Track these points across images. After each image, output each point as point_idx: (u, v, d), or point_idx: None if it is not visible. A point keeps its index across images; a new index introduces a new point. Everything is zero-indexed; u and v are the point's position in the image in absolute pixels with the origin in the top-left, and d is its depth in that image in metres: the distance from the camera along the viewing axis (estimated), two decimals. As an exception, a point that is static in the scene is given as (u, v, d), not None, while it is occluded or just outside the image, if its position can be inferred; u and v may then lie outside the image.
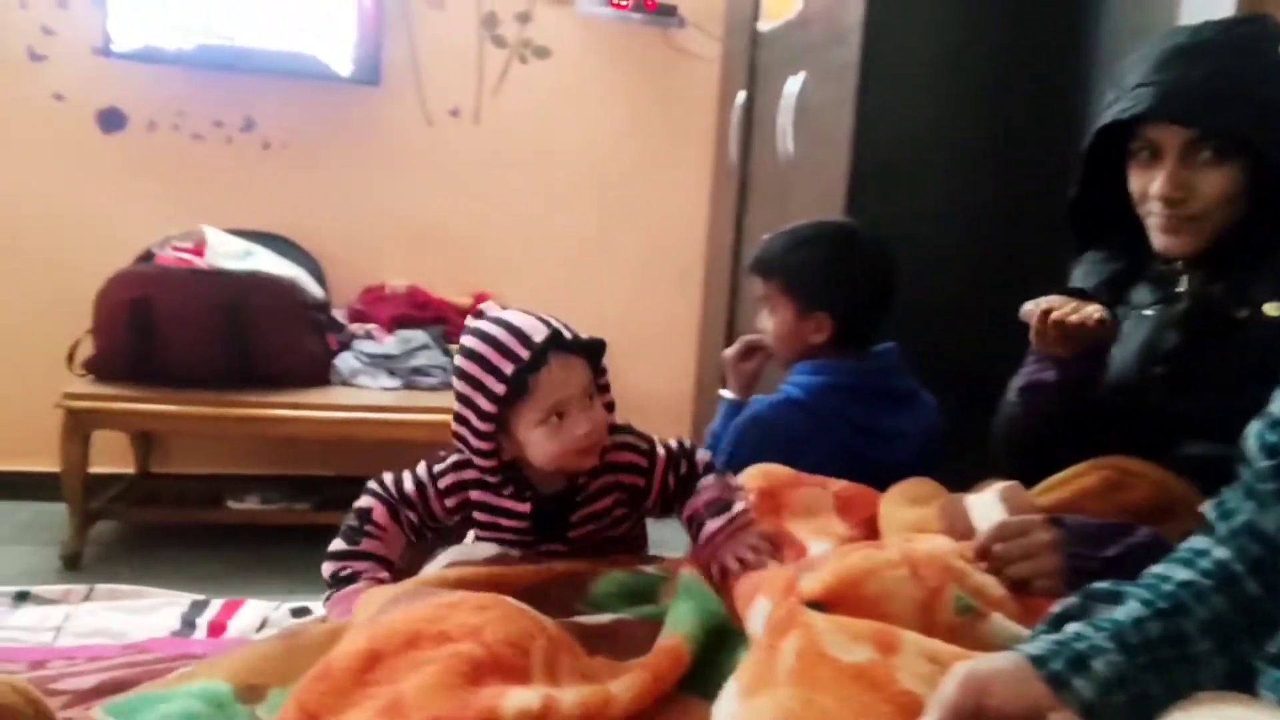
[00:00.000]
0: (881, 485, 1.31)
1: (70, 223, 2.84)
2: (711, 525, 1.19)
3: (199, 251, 2.65)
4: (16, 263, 2.84)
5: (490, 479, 1.20)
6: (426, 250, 3.03)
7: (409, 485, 1.24)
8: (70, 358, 2.58)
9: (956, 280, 2.04)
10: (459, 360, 1.17)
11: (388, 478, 1.25)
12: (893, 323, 1.67)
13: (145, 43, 2.74)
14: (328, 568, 1.22)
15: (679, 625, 0.98)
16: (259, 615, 1.26)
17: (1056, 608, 0.79)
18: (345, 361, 2.70)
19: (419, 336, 2.75)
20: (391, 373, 2.69)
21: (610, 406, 1.23)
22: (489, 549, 1.23)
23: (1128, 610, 0.75)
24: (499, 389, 1.12)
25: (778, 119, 2.38)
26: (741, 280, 2.77)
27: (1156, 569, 0.79)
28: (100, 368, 2.56)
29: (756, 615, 0.91)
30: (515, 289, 3.04)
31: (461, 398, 1.16)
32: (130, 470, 2.92)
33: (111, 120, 2.87)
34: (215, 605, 1.28)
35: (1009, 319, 1.24)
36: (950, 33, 2.04)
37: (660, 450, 1.27)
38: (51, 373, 2.56)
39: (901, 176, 2.03)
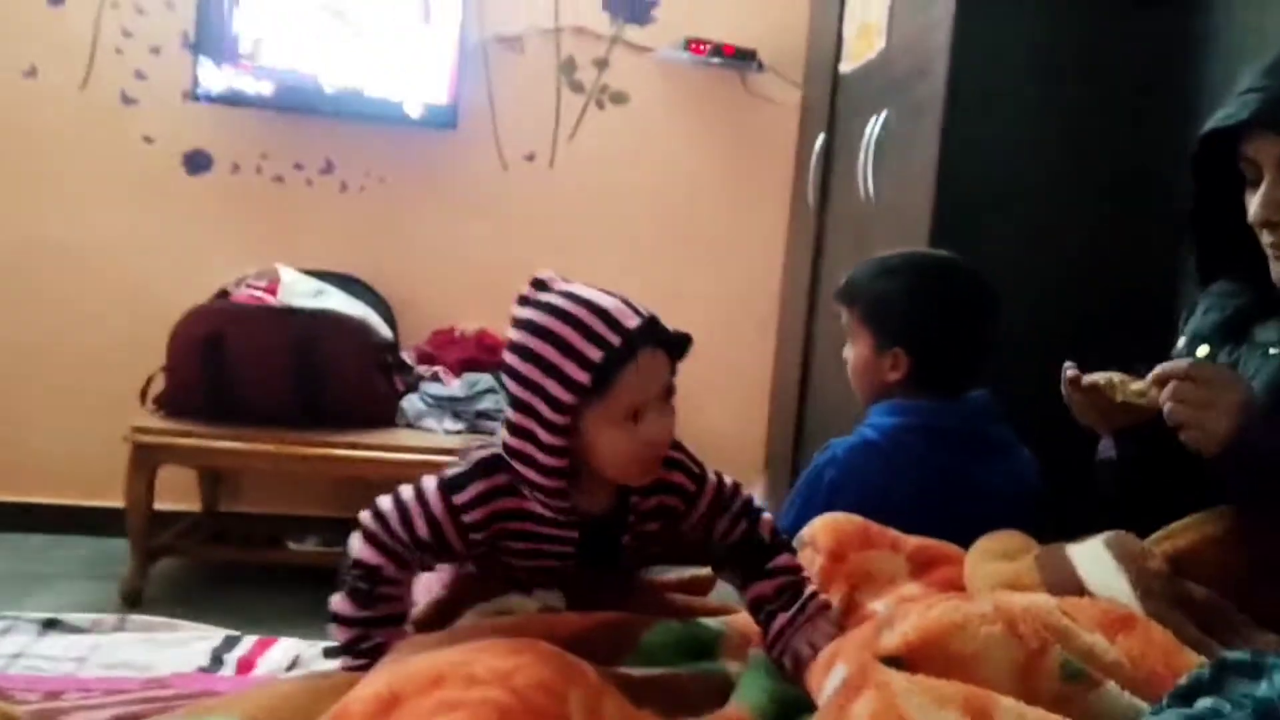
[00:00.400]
0: (966, 543, 1.19)
1: (153, 261, 2.89)
2: (783, 618, 1.05)
3: (272, 290, 2.66)
4: (99, 299, 2.88)
5: (543, 497, 1.02)
6: (498, 294, 2.94)
7: (421, 528, 1.03)
8: (144, 393, 2.58)
9: (1054, 322, 1.91)
10: (522, 338, 0.99)
11: (388, 512, 1.04)
12: (988, 371, 1.55)
13: (231, 86, 2.79)
14: (340, 635, 1.05)
15: (747, 697, 0.87)
16: (291, 653, 1.19)
17: (1185, 679, 0.66)
18: (411, 403, 2.66)
19: (485, 379, 2.70)
20: (456, 415, 2.64)
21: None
22: (528, 604, 1.12)
23: (1275, 685, 0.62)
24: (582, 377, 0.95)
25: (858, 159, 2.30)
26: (818, 327, 2.66)
27: None
28: (171, 403, 2.56)
29: (831, 682, 0.80)
30: (585, 334, 2.98)
31: (527, 384, 0.98)
32: (195, 508, 2.91)
33: (197, 162, 2.92)
34: (248, 642, 1.21)
35: (1117, 362, 1.12)
36: (1042, 55, 1.93)
37: (711, 478, 1.13)
38: (125, 408, 2.56)
39: (988, 209, 1.92)
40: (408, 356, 2.83)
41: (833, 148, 2.64)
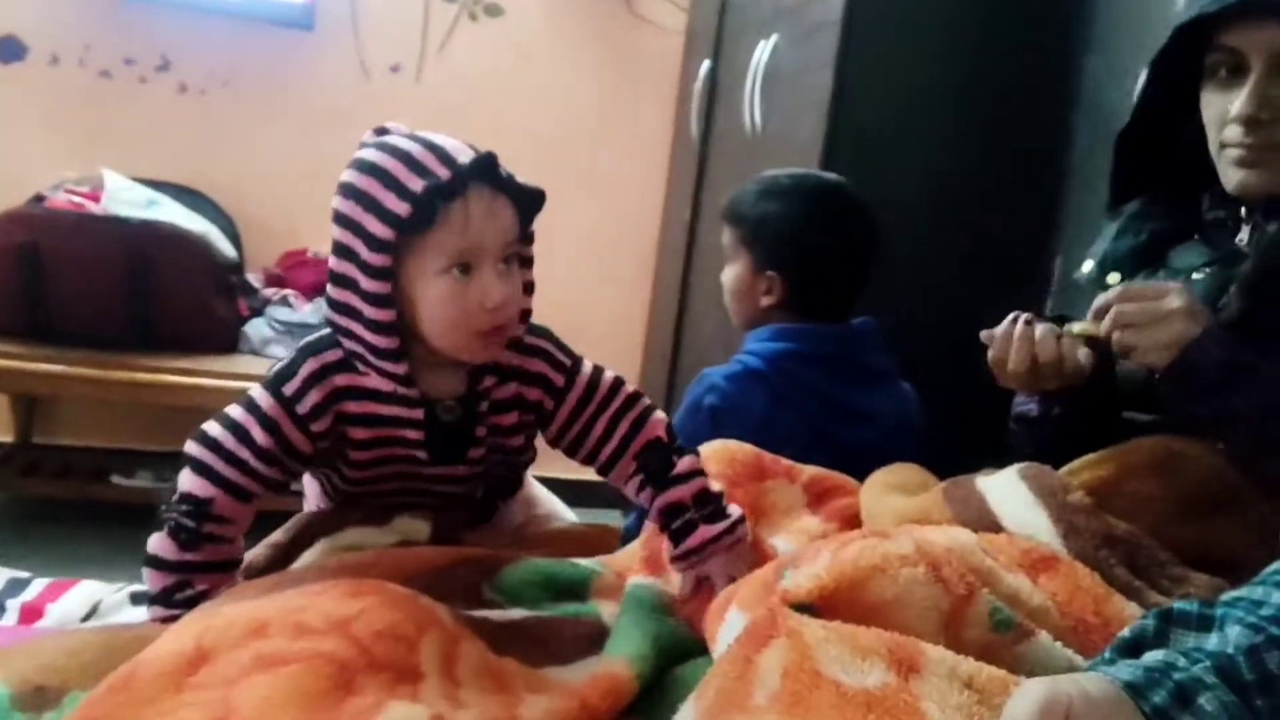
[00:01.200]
0: (851, 471, 1.12)
1: (-46, 158, 2.54)
2: (707, 531, 0.95)
3: (95, 197, 2.37)
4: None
5: (375, 360, 0.90)
6: (356, 215, 2.77)
7: (260, 437, 0.91)
8: (-56, 308, 2.28)
9: (939, 259, 1.87)
10: (348, 177, 0.90)
11: (220, 435, 0.92)
12: (867, 303, 1.48)
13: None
14: (155, 582, 0.91)
15: (625, 647, 0.76)
16: (90, 599, 1.01)
17: (1128, 631, 0.59)
18: (256, 329, 2.44)
19: (341, 306, 2.50)
20: (307, 343, 2.44)
21: (530, 288, 0.98)
22: (380, 537, 0.98)
23: (1233, 638, 0.55)
24: (401, 209, 0.86)
25: (745, 87, 2.19)
26: (697, 262, 2.57)
27: (1257, 591, 0.59)
28: (-21, 320, 2.27)
29: (728, 632, 0.70)
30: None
31: (348, 223, 0.88)
32: (7, 438, 2.62)
33: (9, 50, 2.57)
34: (37, 585, 1.03)
35: (1001, 302, 1.05)
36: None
37: (585, 370, 1.03)
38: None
39: (883, 146, 1.85)
40: (254, 279, 2.60)
41: (718, 75, 2.53)
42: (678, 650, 0.85)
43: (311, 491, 1.11)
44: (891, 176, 1.84)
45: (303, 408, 0.92)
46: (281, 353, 2.40)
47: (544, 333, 1.03)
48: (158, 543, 0.92)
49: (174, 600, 0.91)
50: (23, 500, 2.52)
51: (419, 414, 0.95)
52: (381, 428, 0.96)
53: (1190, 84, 0.94)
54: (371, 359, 0.91)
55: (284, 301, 2.51)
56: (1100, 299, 0.88)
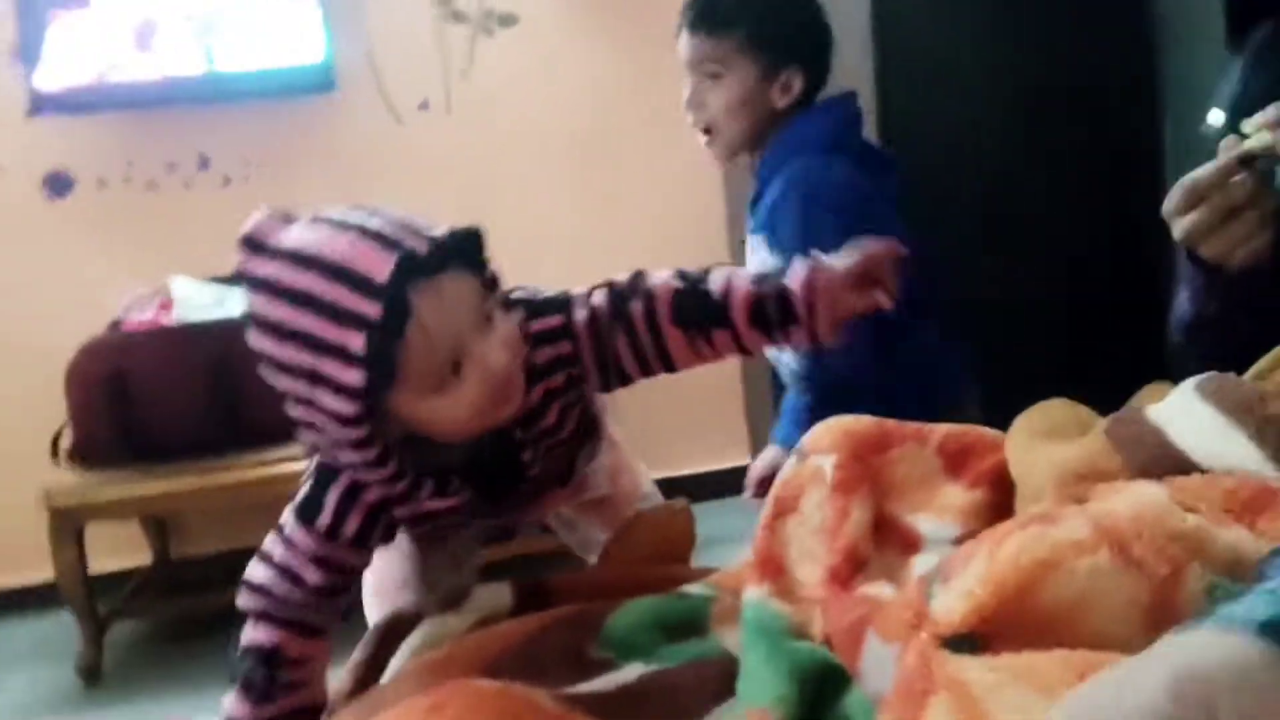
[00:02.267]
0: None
1: (27, 302, 2.58)
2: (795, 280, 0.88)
3: (167, 307, 2.38)
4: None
5: (387, 483, 0.79)
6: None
7: (312, 576, 0.81)
8: (54, 449, 2.32)
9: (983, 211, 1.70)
10: (259, 339, 0.74)
11: (269, 581, 0.82)
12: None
13: (75, 88, 2.47)
14: None
15: (763, 690, 0.63)
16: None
17: None
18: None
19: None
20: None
21: (506, 305, 0.84)
22: (462, 620, 0.87)
23: None
24: (354, 379, 0.70)
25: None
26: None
27: None
28: (84, 455, 2.29)
29: (873, 667, 0.56)
30: (513, 282, 2.72)
31: (297, 401, 0.76)
32: (146, 561, 2.65)
33: (58, 185, 2.60)
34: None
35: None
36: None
37: (579, 315, 0.89)
38: (36, 469, 2.28)
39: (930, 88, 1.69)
40: (335, 352, 2.56)
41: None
42: (823, 680, 0.71)
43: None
44: (938, 121, 1.68)
45: (347, 532, 0.82)
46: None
47: (519, 304, 0.88)
48: (230, 703, 0.83)
49: None
50: (171, 620, 2.54)
51: (455, 502, 0.85)
52: (436, 519, 0.87)
53: None
54: (385, 484, 0.80)
55: (368, 367, 2.46)
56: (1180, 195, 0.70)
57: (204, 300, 2.39)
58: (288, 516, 0.84)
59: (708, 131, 1.39)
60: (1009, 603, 0.48)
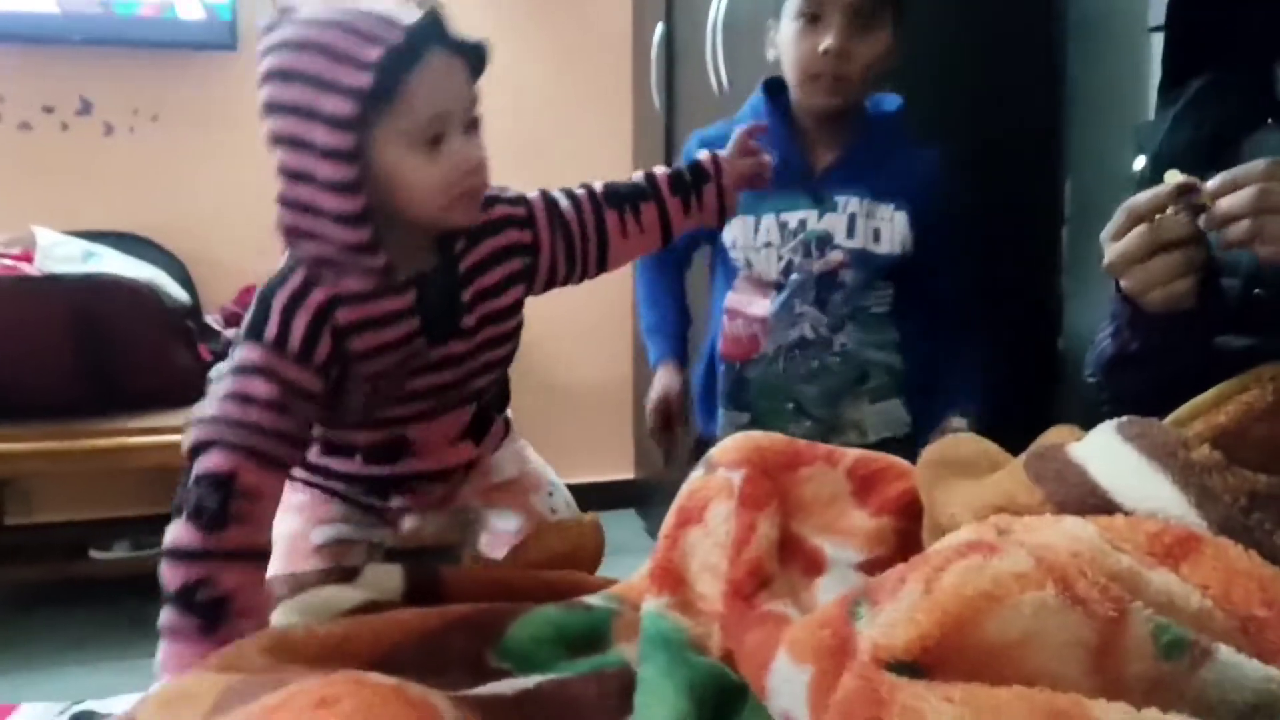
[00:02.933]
0: None
1: None
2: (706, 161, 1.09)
3: (27, 257, 2.20)
4: None
5: (349, 258, 0.83)
6: (313, 239, 2.60)
7: (260, 389, 0.82)
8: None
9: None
10: (278, 61, 0.83)
11: (217, 409, 0.82)
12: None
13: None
14: (174, 577, 0.79)
15: (658, 706, 0.61)
16: (27, 728, 0.86)
17: None
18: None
19: (309, 336, 2.33)
20: (278, 381, 2.27)
21: None
22: (351, 593, 0.84)
23: None
24: (361, 81, 0.79)
25: (705, 45, 2.03)
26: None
27: None
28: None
29: (782, 686, 0.54)
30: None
31: (295, 111, 0.82)
32: (-22, 526, 2.46)
33: (-83, 114, 2.40)
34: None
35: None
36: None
37: (538, 205, 1.02)
38: None
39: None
40: (213, 320, 2.43)
41: (674, 36, 2.37)
42: (721, 697, 0.70)
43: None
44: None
45: (294, 344, 0.84)
46: (252, 395, 2.25)
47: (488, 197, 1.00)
48: (176, 532, 0.80)
49: (194, 601, 0.78)
50: (5, 588, 2.35)
51: (410, 300, 0.89)
52: (380, 329, 0.88)
53: None
54: (343, 258, 0.84)
55: (247, 340, 2.34)
56: (1228, 175, 0.70)
57: (70, 253, 2.22)
58: (236, 349, 0.86)
59: (838, 81, 1.27)
60: (952, 633, 0.47)
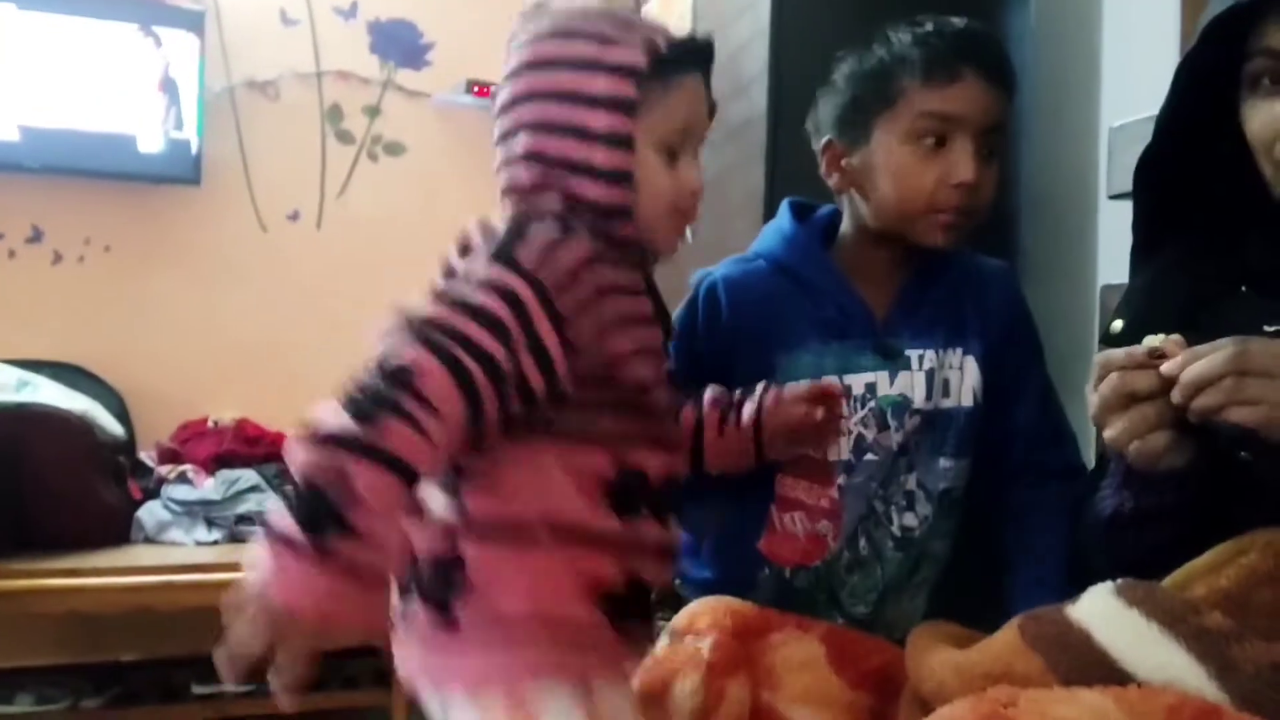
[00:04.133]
0: None
1: None
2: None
3: (-42, 384, 2.11)
4: None
5: (604, 222, 0.79)
6: (260, 377, 2.54)
7: (491, 303, 0.70)
8: None
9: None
10: (541, 49, 0.83)
11: (448, 301, 0.72)
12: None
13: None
14: (303, 465, 0.65)
15: None
16: None
17: None
18: (151, 512, 2.16)
19: (248, 476, 2.24)
20: (210, 522, 2.16)
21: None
22: None
23: None
24: (638, 60, 0.79)
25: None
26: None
27: None
28: None
29: None
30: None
31: (560, 96, 0.80)
32: None
33: None
34: None
35: None
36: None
37: None
38: None
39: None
40: (147, 457, 2.33)
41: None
42: None
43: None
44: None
45: (551, 277, 0.74)
46: (181, 536, 2.14)
47: None
48: (326, 416, 0.67)
49: (314, 496, 0.64)
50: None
51: (650, 306, 0.85)
52: (633, 328, 0.81)
53: (1224, 96, 0.80)
54: (591, 220, 0.79)
55: (182, 478, 2.24)
56: (1196, 372, 0.69)
57: (5, 381, 2.13)
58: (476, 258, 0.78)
59: (967, 216, 1.07)
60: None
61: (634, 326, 0.81)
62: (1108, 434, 0.76)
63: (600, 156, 0.78)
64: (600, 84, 0.79)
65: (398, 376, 0.67)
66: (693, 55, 0.84)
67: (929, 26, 1.05)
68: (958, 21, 1.06)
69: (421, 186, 2.69)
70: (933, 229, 1.06)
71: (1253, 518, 0.69)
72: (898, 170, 1.05)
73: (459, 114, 2.69)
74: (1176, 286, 0.86)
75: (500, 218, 0.84)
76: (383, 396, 0.66)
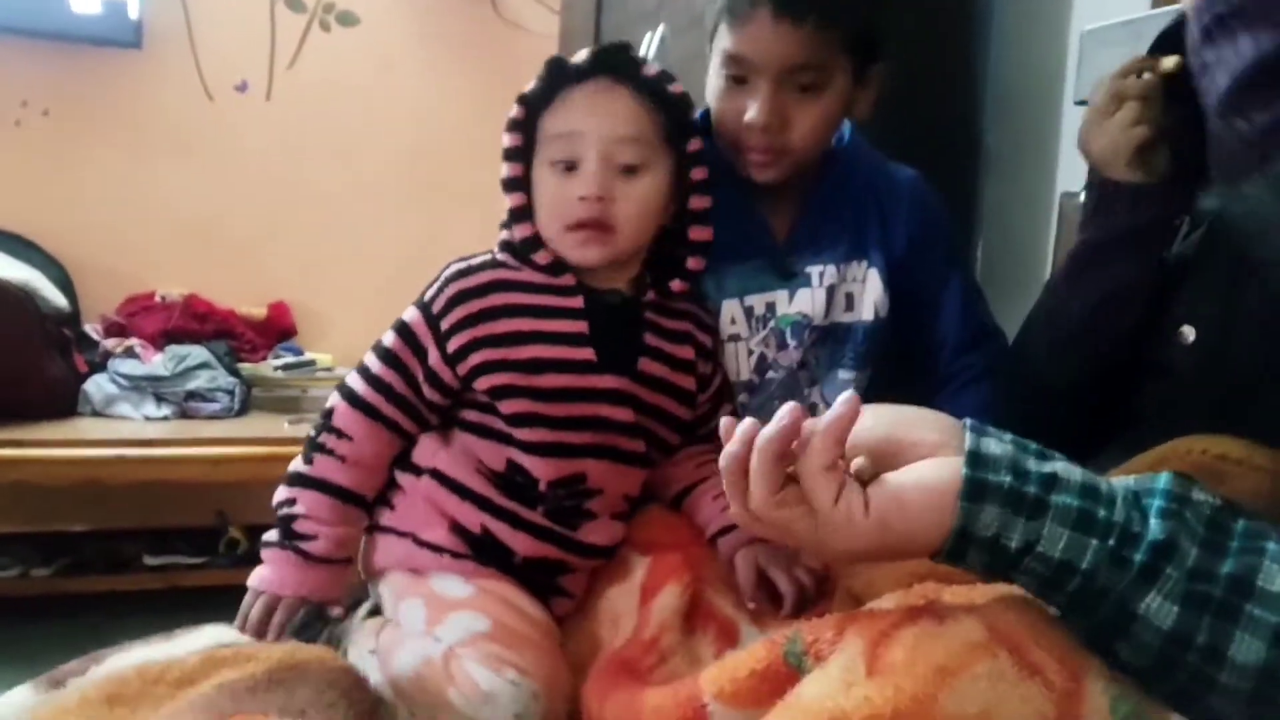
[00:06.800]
0: None
1: None
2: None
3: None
4: None
5: (522, 250, 0.91)
6: (209, 251, 2.49)
7: (388, 340, 0.91)
8: None
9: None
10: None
11: (371, 351, 0.93)
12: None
13: None
14: (278, 496, 0.92)
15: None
16: None
17: None
18: (98, 386, 2.14)
19: (197, 353, 2.22)
20: (160, 398, 2.15)
21: (690, 216, 0.95)
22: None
23: None
24: (530, 88, 0.92)
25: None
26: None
27: None
28: None
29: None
30: (322, 297, 2.55)
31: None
32: None
33: None
34: None
35: None
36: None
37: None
38: None
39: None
40: (92, 330, 2.29)
41: (600, 75, 2.35)
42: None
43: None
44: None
45: (438, 304, 0.90)
46: (129, 411, 2.12)
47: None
48: (295, 460, 0.93)
49: (280, 516, 0.90)
50: None
51: (578, 301, 0.91)
52: (537, 318, 0.89)
53: None
54: (519, 245, 0.92)
55: (129, 353, 2.21)
56: None
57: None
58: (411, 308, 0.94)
59: (772, 154, 1.03)
60: (906, 710, 0.44)
61: (531, 343, 0.88)
62: (1095, 143, 0.88)
63: (506, 199, 0.92)
64: (504, 134, 0.93)
65: (324, 419, 0.92)
66: (597, 59, 0.90)
67: None
68: None
69: (375, 59, 2.60)
70: (746, 165, 1.05)
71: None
72: (713, 102, 1.06)
73: (416, -16, 2.58)
74: None
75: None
76: (314, 440, 0.92)
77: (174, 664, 0.71)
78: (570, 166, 0.88)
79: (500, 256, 0.93)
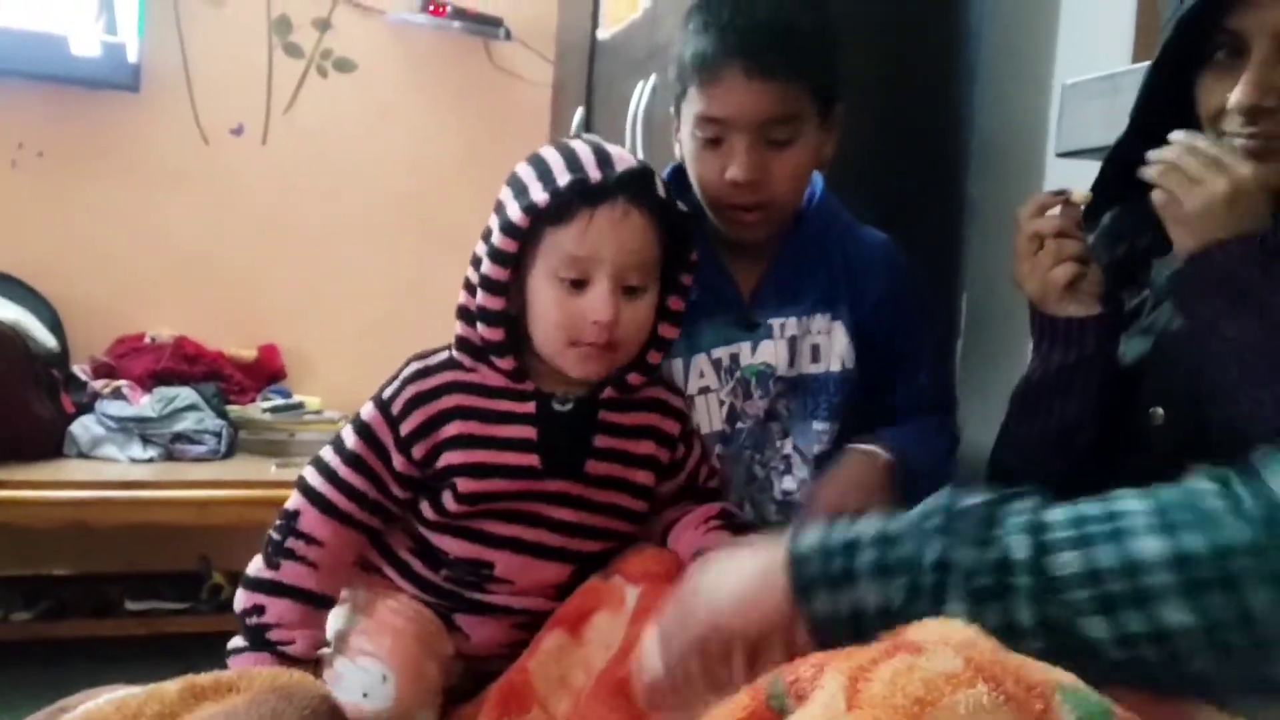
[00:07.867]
0: None
1: None
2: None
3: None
4: None
5: (487, 351, 0.90)
6: (199, 294, 2.49)
7: (349, 440, 0.91)
8: None
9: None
10: (517, 166, 0.93)
11: (323, 451, 0.93)
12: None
13: None
14: (239, 602, 0.91)
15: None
16: None
17: None
18: (85, 427, 2.13)
19: (185, 395, 2.21)
20: (146, 440, 2.14)
21: (676, 318, 0.95)
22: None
23: None
24: (541, 198, 0.86)
25: (625, 132, 2.05)
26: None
27: None
28: None
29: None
30: (311, 340, 2.55)
31: (496, 207, 0.91)
32: None
33: None
34: None
35: None
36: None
37: (694, 424, 1.04)
38: None
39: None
40: (81, 371, 2.29)
41: (593, 123, 2.39)
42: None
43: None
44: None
45: (397, 405, 0.90)
46: (115, 453, 2.11)
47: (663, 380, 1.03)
48: (253, 562, 0.91)
49: (247, 624, 0.90)
50: None
51: (530, 407, 0.91)
52: (487, 423, 0.91)
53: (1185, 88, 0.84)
54: (480, 346, 0.91)
55: (116, 394, 2.20)
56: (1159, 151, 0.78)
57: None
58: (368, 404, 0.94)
59: (758, 209, 1.06)
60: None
61: (479, 448, 0.90)
62: (1019, 279, 0.89)
63: (482, 297, 0.90)
64: (496, 232, 0.89)
65: (286, 521, 0.91)
66: (618, 182, 0.86)
67: (709, 17, 1.03)
68: (745, 5, 1.03)
69: (372, 105, 2.63)
70: (728, 222, 1.08)
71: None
72: (691, 162, 1.08)
73: (413, 32, 2.62)
74: (1115, 246, 0.91)
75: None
76: (277, 544, 0.90)
77: (153, 697, 0.71)
78: (578, 284, 0.87)
79: (457, 356, 0.93)
